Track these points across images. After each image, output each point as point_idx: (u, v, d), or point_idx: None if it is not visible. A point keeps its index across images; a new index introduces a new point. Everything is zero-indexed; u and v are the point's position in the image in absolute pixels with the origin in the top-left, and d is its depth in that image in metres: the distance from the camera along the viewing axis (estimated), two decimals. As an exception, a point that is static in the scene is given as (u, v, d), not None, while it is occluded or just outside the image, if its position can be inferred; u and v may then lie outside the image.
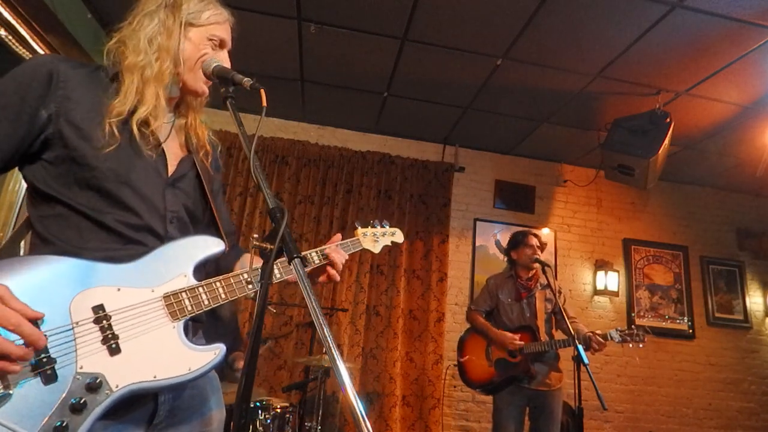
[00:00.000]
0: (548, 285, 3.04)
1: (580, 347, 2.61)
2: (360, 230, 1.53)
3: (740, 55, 3.12)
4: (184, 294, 1.00)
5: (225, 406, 1.18)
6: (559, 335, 3.16)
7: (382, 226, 1.58)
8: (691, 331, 4.74)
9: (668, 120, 3.53)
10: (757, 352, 4.83)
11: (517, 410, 2.98)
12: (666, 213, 5.08)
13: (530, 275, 3.21)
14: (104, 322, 0.90)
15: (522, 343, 2.96)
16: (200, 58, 1.11)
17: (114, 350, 0.89)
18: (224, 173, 4.24)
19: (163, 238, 1.03)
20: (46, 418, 0.80)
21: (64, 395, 0.83)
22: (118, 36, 1.08)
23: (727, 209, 5.22)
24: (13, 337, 0.78)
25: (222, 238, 1.12)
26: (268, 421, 2.64)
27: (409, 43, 3.34)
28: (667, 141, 3.54)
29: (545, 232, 4.72)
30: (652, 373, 4.59)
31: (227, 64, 1.13)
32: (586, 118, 4.11)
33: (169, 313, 0.97)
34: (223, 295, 1.05)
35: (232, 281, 1.07)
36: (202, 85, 1.13)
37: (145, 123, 1.04)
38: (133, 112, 1.02)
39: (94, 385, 0.85)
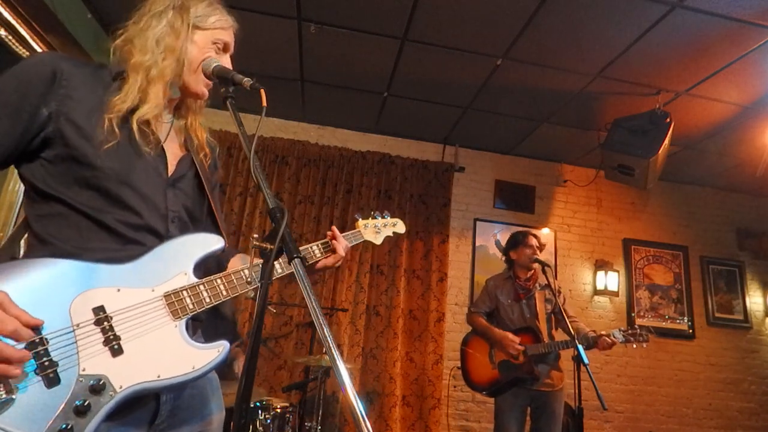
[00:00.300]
0: (548, 285, 3.04)
1: (581, 347, 2.61)
2: (361, 222, 1.49)
3: (740, 55, 3.12)
4: (185, 292, 1.00)
5: (225, 406, 1.17)
6: (559, 335, 3.16)
7: (383, 217, 1.55)
8: (691, 331, 4.74)
9: (668, 120, 3.53)
10: (757, 352, 4.83)
11: (519, 411, 2.98)
12: (666, 213, 5.08)
13: (529, 276, 3.20)
14: (105, 323, 0.90)
15: (522, 347, 2.95)
16: (203, 61, 1.11)
17: (116, 351, 0.89)
18: (224, 173, 4.24)
19: (163, 238, 1.03)
20: (50, 422, 0.80)
21: (67, 398, 0.82)
22: (125, 35, 1.08)
23: (727, 209, 5.22)
24: (13, 342, 0.78)
25: (222, 237, 1.12)
26: (268, 421, 2.64)
27: (409, 43, 3.34)
28: (667, 141, 3.54)
29: (545, 232, 4.72)
30: (652, 373, 4.59)
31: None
32: (586, 118, 4.10)
33: (171, 312, 0.97)
34: (224, 292, 1.05)
35: (233, 278, 1.06)
36: (202, 88, 1.13)
37: (145, 122, 1.04)
38: (134, 110, 1.01)
39: (98, 386, 0.85)
